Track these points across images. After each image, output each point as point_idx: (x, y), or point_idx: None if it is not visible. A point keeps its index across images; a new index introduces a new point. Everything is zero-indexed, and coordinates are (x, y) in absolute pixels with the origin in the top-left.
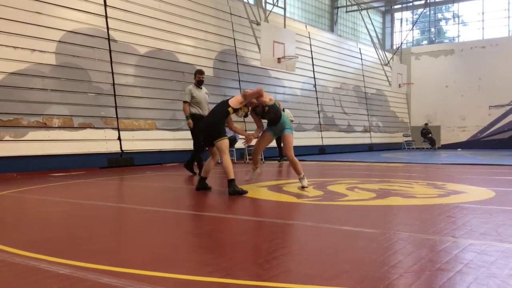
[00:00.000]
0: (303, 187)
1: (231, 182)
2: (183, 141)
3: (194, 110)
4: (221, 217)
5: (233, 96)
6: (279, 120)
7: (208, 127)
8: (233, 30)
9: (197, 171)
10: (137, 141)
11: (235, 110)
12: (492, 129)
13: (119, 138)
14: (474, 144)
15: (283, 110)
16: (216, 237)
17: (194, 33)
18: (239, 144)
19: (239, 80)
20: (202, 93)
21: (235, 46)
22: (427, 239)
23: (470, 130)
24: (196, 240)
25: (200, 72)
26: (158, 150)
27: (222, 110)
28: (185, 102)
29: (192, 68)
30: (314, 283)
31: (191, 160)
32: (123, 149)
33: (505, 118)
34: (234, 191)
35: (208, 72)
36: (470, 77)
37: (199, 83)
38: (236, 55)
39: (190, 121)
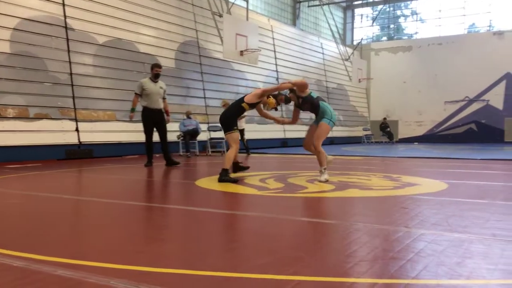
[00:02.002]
0: (319, 181)
1: (225, 171)
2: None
3: (145, 103)
4: (181, 209)
5: (252, 92)
6: (317, 110)
7: (222, 120)
8: (195, 22)
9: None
10: (96, 133)
11: (252, 106)
12: (447, 124)
13: (77, 130)
14: (430, 138)
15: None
16: (174, 229)
17: (155, 23)
18: (201, 137)
19: (202, 72)
20: (156, 87)
21: (197, 38)
22: (381, 229)
23: (427, 125)
24: (154, 232)
25: (157, 66)
26: (118, 142)
27: (237, 105)
28: (135, 94)
29: (153, 59)
30: (270, 272)
31: (164, 154)
32: (81, 140)
33: (460, 114)
34: (223, 179)
35: (170, 64)
36: (427, 73)
37: (155, 77)
38: (199, 47)
39: (133, 114)
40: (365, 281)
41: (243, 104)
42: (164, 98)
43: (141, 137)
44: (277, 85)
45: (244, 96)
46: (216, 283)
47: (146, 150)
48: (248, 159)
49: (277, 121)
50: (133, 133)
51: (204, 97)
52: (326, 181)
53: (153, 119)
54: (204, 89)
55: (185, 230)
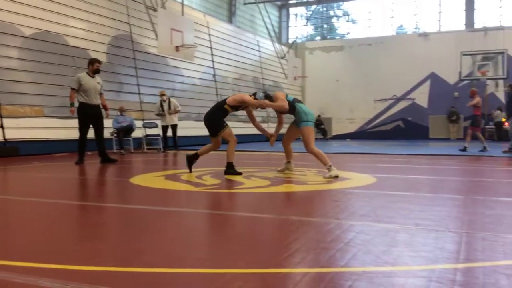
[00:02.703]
0: (330, 177)
1: (229, 164)
2: (74, 129)
3: (82, 98)
4: (114, 207)
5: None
6: (293, 111)
7: (206, 123)
8: (128, 15)
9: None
10: (22, 129)
11: (234, 108)
12: (376, 121)
13: (1, 126)
14: (361, 135)
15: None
16: (108, 227)
17: (86, 15)
18: (136, 133)
19: (136, 67)
20: (93, 82)
21: (130, 32)
22: (314, 221)
23: (358, 122)
24: (87, 231)
25: (97, 61)
26: (46, 139)
27: (219, 106)
28: (72, 89)
29: (83, 52)
30: (205, 267)
31: (100, 150)
32: (6, 137)
33: (388, 111)
34: (229, 172)
35: (101, 58)
36: (358, 73)
37: (95, 72)
38: (132, 41)
39: (73, 108)
40: (298, 271)
41: (226, 106)
42: (101, 93)
43: (70, 134)
44: (258, 101)
45: (226, 98)
46: (152, 279)
47: (78, 147)
48: (177, 156)
49: (270, 140)
50: (62, 129)
51: (139, 93)
52: (337, 176)
53: (91, 115)
54: (138, 85)
55: (120, 228)
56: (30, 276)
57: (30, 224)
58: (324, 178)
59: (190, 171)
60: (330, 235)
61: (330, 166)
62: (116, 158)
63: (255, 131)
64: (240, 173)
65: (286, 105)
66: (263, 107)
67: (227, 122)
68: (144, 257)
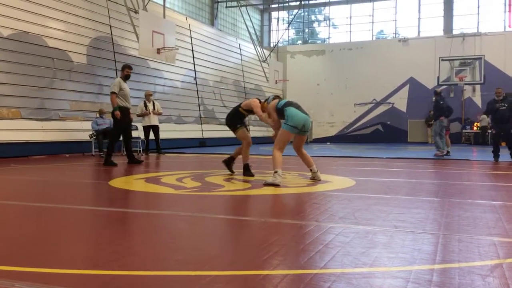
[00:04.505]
0: (267, 183)
1: (244, 166)
2: (52, 131)
3: (122, 102)
4: (94, 210)
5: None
6: (282, 117)
7: (226, 121)
8: (109, 17)
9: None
10: None
11: (249, 112)
12: (356, 125)
13: None
14: (342, 138)
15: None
16: (87, 230)
17: (65, 16)
18: None
19: (116, 69)
20: (128, 87)
21: (111, 34)
22: (294, 223)
23: (338, 126)
24: (66, 234)
25: (129, 67)
26: (23, 141)
27: (236, 108)
28: (113, 93)
29: (63, 53)
30: (186, 269)
31: (108, 153)
32: None
33: (368, 115)
34: (244, 173)
35: (81, 59)
36: (339, 77)
37: (126, 77)
38: (113, 43)
39: (118, 112)
40: (277, 272)
41: (240, 109)
42: None
43: (48, 136)
44: (259, 114)
45: (241, 103)
46: (131, 282)
47: (108, 147)
48: (159, 158)
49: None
50: (40, 132)
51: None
52: (277, 185)
53: (128, 118)
54: None
55: (99, 231)
56: (5, 279)
57: (6, 228)
58: (265, 184)
59: (233, 172)
60: (310, 237)
61: (276, 172)
62: (142, 159)
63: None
64: (252, 175)
65: (272, 121)
66: (261, 119)
67: (243, 124)
68: (123, 260)
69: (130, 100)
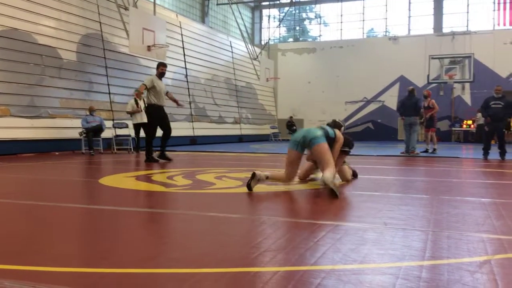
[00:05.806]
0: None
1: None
2: (43, 129)
3: (154, 100)
4: (84, 208)
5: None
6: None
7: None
8: (99, 14)
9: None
10: None
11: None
12: (347, 123)
13: None
14: None
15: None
16: (78, 228)
17: (55, 13)
18: (106, 134)
19: (106, 67)
20: (163, 85)
21: (101, 31)
22: (284, 221)
23: None
24: (56, 232)
25: (164, 65)
26: (12, 139)
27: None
28: (144, 84)
29: (52, 51)
30: (178, 267)
31: (148, 151)
32: None
33: (359, 113)
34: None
35: (71, 57)
36: (330, 75)
37: (161, 75)
38: (103, 40)
39: (138, 93)
40: (268, 269)
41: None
42: (167, 92)
43: (38, 134)
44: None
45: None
46: (121, 280)
47: (147, 145)
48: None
49: None
50: (30, 129)
51: (109, 93)
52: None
53: (160, 116)
54: (108, 84)
55: (88, 229)
56: None
57: None
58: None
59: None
60: (301, 234)
61: (267, 178)
62: (171, 158)
63: (226, 132)
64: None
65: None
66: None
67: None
68: (113, 258)
69: (164, 98)
